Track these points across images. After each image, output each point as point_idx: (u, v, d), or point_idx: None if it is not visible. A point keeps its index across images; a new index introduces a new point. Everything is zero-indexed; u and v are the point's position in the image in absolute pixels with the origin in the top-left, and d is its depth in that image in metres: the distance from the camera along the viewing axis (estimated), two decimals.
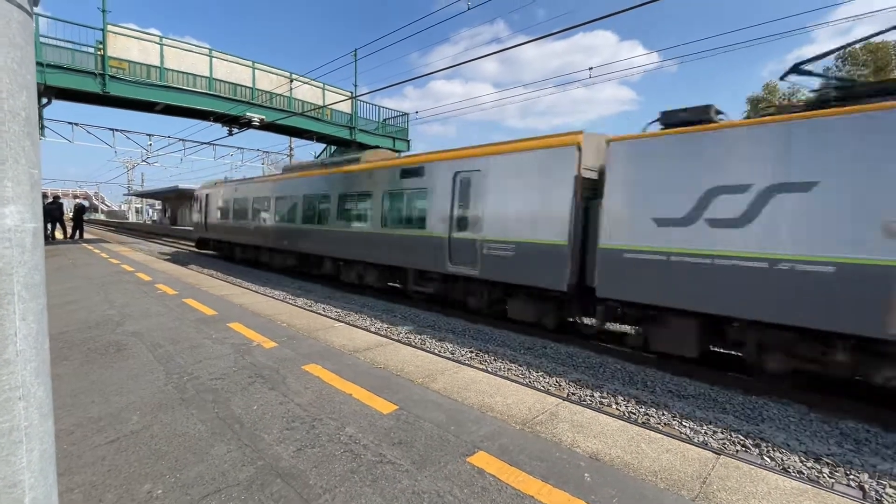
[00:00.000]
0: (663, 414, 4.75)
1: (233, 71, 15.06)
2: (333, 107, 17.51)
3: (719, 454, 2.70)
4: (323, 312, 8.41)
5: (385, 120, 20.00)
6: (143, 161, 33.94)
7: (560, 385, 5.59)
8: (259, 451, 2.56)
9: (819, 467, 3.78)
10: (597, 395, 5.26)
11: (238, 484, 2.24)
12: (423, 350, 4.74)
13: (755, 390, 5.42)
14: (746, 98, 12.54)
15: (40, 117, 17.45)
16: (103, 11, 12.19)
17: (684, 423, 4.55)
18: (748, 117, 12.67)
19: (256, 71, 15.53)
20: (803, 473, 3.73)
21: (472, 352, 6.79)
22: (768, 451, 4.02)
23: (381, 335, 5.34)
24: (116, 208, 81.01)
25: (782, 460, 3.90)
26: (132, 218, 66.25)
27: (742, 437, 4.24)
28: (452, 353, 6.75)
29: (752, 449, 4.09)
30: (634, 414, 4.82)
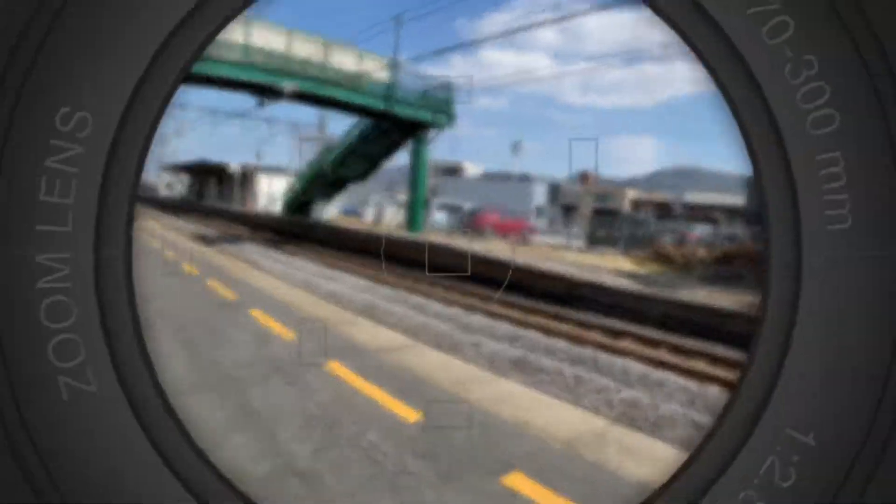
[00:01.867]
0: None
1: (268, 39, 15.53)
2: (371, 78, 17.67)
3: None
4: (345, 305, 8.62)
5: (427, 90, 19.73)
6: (175, 133, 35.91)
7: (611, 403, 5.45)
8: (276, 446, 2.67)
9: None
10: (651, 416, 5.09)
11: (255, 479, 2.35)
12: (454, 355, 4.74)
13: None
14: None
15: None
16: None
17: None
18: None
19: (292, 39, 15.95)
20: None
21: (511, 361, 6.72)
22: None
23: (407, 335, 5.39)
24: (148, 183, 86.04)
25: None
26: (162, 192, 70.17)
27: None
28: (491, 362, 6.72)
29: None
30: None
